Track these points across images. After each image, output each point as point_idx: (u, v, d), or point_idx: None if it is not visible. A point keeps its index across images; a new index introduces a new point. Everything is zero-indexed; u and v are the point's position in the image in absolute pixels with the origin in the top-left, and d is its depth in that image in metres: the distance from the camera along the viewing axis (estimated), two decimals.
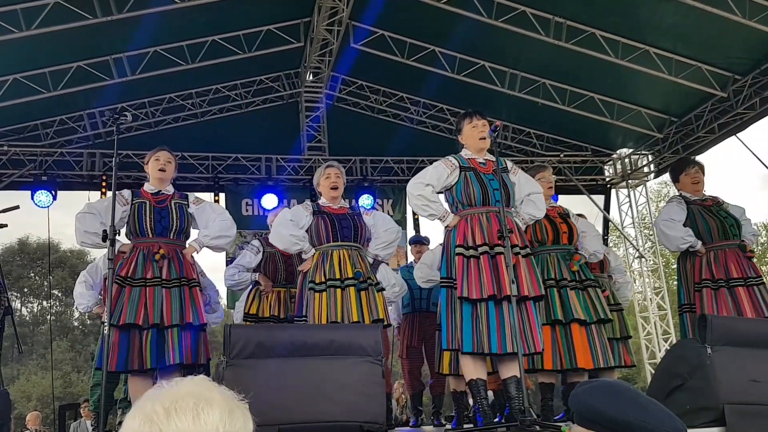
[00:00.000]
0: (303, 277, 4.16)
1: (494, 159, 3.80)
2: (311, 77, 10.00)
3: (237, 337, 2.79)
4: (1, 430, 2.89)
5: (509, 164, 4.01)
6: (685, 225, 4.65)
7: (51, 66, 8.12)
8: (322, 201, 4.38)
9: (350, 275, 3.97)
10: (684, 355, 3.30)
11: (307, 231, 4.20)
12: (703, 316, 3.42)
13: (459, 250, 3.54)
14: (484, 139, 3.86)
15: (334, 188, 4.30)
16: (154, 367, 3.58)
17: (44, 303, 28.75)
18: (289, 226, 4.17)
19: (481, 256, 3.49)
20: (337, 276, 3.96)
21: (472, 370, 3.44)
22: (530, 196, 3.89)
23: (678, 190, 4.88)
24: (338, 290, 3.92)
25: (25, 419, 10.50)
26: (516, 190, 3.86)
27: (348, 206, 4.47)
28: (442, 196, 3.89)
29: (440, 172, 3.81)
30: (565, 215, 4.63)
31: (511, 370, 3.40)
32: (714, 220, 4.60)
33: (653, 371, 9.92)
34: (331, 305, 3.87)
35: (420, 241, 6.57)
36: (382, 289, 4.18)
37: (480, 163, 3.86)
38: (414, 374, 6.08)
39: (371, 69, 9.80)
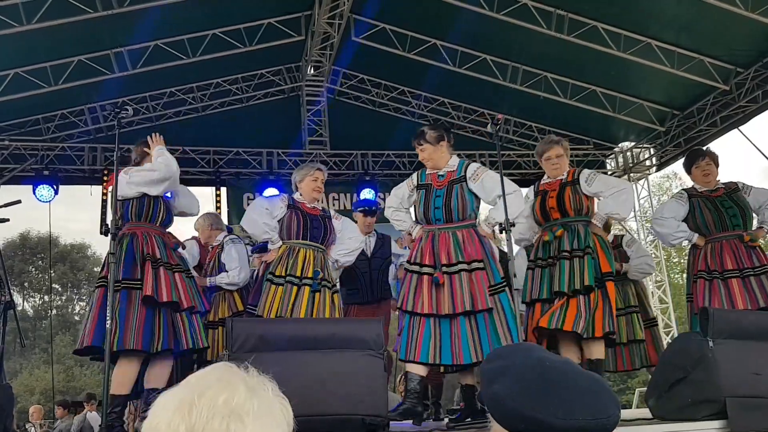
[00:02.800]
0: (265, 267, 4.23)
1: (455, 169, 3.91)
2: (312, 71, 9.98)
3: (239, 331, 2.79)
4: (5, 423, 2.90)
5: (471, 170, 3.93)
6: (687, 219, 4.69)
7: (52, 60, 8.11)
8: (298, 197, 4.42)
9: (310, 275, 4.08)
10: (686, 348, 3.30)
11: (279, 221, 4.29)
12: (705, 309, 3.41)
13: (406, 264, 3.85)
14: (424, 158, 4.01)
15: (318, 191, 4.46)
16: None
17: (46, 297, 28.83)
18: (263, 213, 4.25)
19: (424, 276, 3.66)
20: (298, 273, 4.06)
21: (410, 367, 3.70)
22: (499, 198, 3.78)
23: (692, 182, 4.89)
24: (294, 287, 4.02)
25: (28, 413, 10.56)
26: (482, 195, 3.85)
27: (320, 208, 4.53)
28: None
29: (401, 192, 4.07)
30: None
31: (464, 378, 3.87)
32: (712, 213, 4.61)
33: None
34: (284, 300, 3.97)
35: None
36: (337, 291, 4.30)
37: (439, 176, 3.92)
38: None
39: (372, 62, 9.78)
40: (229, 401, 0.89)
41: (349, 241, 4.45)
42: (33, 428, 8.70)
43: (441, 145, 3.94)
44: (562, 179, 4.38)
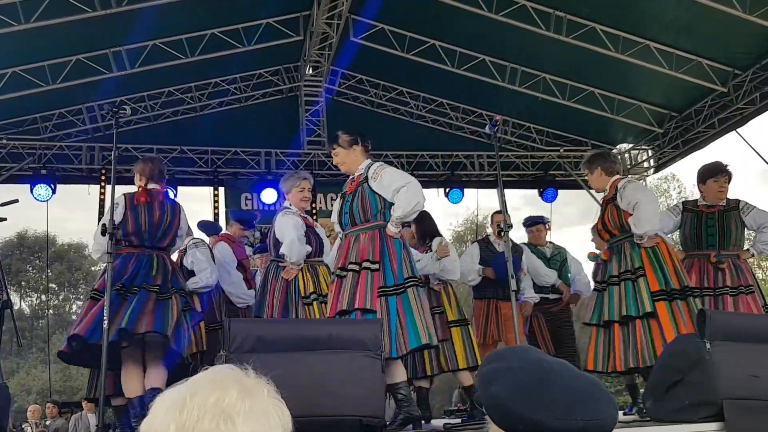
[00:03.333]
0: (286, 285, 4.30)
1: (362, 171, 3.95)
2: (311, 71, 9.98)
3: (236, 331, 2.79)
4: (1, 424, 2.88)
5: (372, 170, 3.91)
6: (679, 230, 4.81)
7: (50, 59, 8.09)
8: (295, 210, 4.53)
9: (325, 292, 4.16)
10: (683, 350, 3.31)
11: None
12: (702, 311, 3.42)
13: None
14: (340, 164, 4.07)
15: (306, 200, 4.55)
16: None
17: (43, 297, 28.78)
18: (303, 241, 4.35)
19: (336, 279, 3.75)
20: (324, 291, 4.21)
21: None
22: (398, 193, 3.73)
23: (700, 192, 4.86)
24: (322, 305, 4.20)
25: (26, 412, 10.53)
26: (382, 192, 3.79)
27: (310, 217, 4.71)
28: None
29: (336, 204, 4.09)
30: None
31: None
32: (693, 229, 4.65)
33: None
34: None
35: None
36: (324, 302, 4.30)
37: (351, 180, 4.01)
38: None
39: (371, 63, 9.77)
40: (220, 401, 0.89)
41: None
42: (30, 428, 8.68)
43: (354, 149, 3.96)
44: (606, 195, 4.34)
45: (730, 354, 3.17)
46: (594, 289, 4.41)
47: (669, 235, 4.91)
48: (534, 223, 6.19)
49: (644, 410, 3.69)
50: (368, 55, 9.44)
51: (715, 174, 4.74)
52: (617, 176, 4.35)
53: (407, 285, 3.56)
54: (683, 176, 24.02)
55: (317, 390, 2.75)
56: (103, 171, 9.22)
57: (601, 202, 4.48)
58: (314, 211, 9.63)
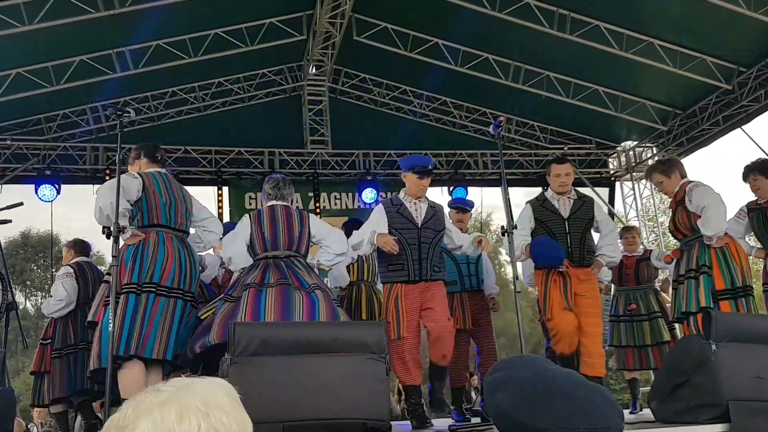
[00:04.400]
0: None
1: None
2: (314, 70, 9.98)
3: (241, 335, 2.79)
4: (5, 428, 2.89)
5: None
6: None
7: (53, 60, 8.11)
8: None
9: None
10: (688, 352, 3.30)
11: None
12: (708, 312, 3.41)
13: None
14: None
15: None
16: None
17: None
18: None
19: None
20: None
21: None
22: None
23: (757, 188, 4.87)
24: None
25: (31, 412, 10.52)
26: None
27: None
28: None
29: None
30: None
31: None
32: (759, 228, 4.73)
33: None
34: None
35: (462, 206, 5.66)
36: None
37: None
38: (460, 363, 5.17)
39: (374, 62, 9.77)
40: None
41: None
42: (35, 428, 8.70)
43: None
44: (675, 197, 4.49)
45: (735, 355, 3.16)
46: (672, 288, 4.57)
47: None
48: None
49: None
50: (371, 54, 9.43)
51: None
52: (684, 179, 4.52)
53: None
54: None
55: (321, 393, 2.75)
56: (107, 171, 9.23)
57: (669, 204, 4.67)
58: (318, 211, 9.65)
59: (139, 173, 3.88)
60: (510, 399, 1.10)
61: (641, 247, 6.28)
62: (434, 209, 4.39)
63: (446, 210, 4.73)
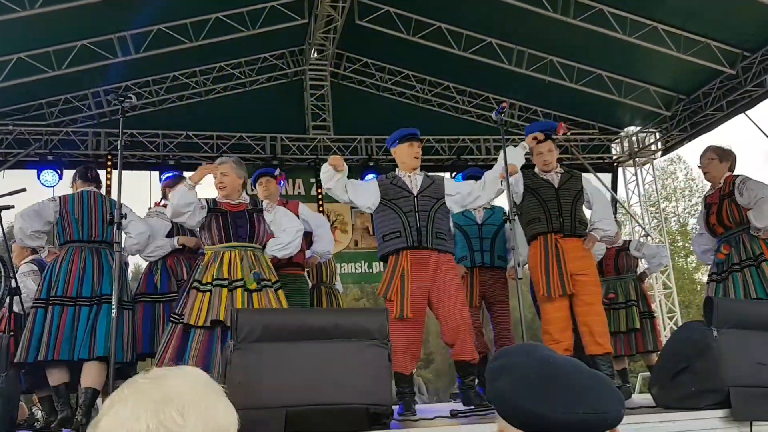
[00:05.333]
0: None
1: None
2: (316, 54, 9.93)
3: (244, 321, 2.80)
4: (11, 413, 2.92)
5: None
6: None
7: (55, 45, 8.08)
8: (219, 197, 4.18)
9: (239, 277, 3.83)
10: (690, 338, 3.31)
11: (201, 229, 4.04)
12: (710, 298, 3.42)
13: None
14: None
15: (222, 187, 4.13)
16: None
17: None
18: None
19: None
20: (225, 276, 3.83)
21: None
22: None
23: None
24: (224, 289, 3.79)
25: (32, 396, 10.58)
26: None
27: (249, 202, 4.19)
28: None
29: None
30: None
31: None
32: None
33: (659, 351, 9.95)
34: (213, 303, 3.73)
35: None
36: (280, 288, 3.99)
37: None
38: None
39: (376, 46, 9.72)
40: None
41: (283, 234, 4.11)
42: (40, 412, 8.76)
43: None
44: (720, 189, 4.54)
45: (736, 341, 3.17)
46: (711, 281, 4.58)
47: None
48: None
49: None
50: (373, 38, 9.39)
51: None
52: (729, 173, 4.59)
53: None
54: (691, 159, 23.90)
55: (324, 378, 2.76)
56: (110, 156, 9.24)
57: (708, 198, 4.68)
58: (320, 197, 9.64)
59: (58, 196, 4.28)
60: (511, 385, 1.12)
61: (621, 238, 6.34)
62: (432, 179, 4.20)
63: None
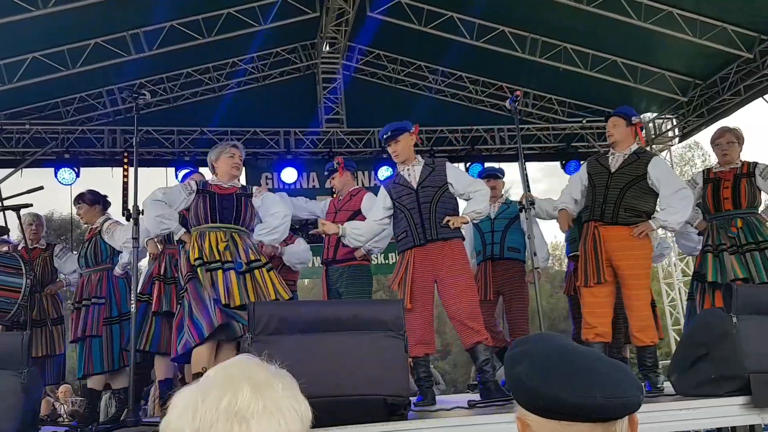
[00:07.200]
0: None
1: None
2: (328, 48, 9.93)
3: (261, 313, 2.81)
4: (33, 407, 2.97)
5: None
6: None
7: (69, 44, 8.14)
8: (212, 179, 4.20)
9: (228, 258, 3.86)
10: (709, 324, 3.28)
11: (187, 210, 4.10)
12: (729, 285, 3.38)
13: None
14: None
15: (237, 168, 4.21)
16: None
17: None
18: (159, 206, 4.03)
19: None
20: (207, 257, 3.87)
21: None
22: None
23: None
24: (207, 272, 3.84)
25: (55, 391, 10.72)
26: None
27: (240, 186, 4.23)
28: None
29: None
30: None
31: None
32: None
33: (678, 338, 9.88)
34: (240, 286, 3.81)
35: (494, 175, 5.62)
36: (272, 269, 4.01)
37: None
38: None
39: (388, 38, 9.69)
40: (232, 404, 0.88)
41: (270, 218, 4.10)
42: (63, 407, 8.89)
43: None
44: (736, 170, 4.55)
45: (756, 328, 3.14)
46: (705, 252, 4.52)
47: None
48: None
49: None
50: (385, 30, 9.35)
51: None
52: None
53: None
54: (706, 144, 23.65)
55: (341, 370, 2.77)
56: (126, 154, 9.31)
57: (712, 173, 4.68)
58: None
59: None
60: (529, 370, 1.13)
61: None
62: (432, 166, 4.18)
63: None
